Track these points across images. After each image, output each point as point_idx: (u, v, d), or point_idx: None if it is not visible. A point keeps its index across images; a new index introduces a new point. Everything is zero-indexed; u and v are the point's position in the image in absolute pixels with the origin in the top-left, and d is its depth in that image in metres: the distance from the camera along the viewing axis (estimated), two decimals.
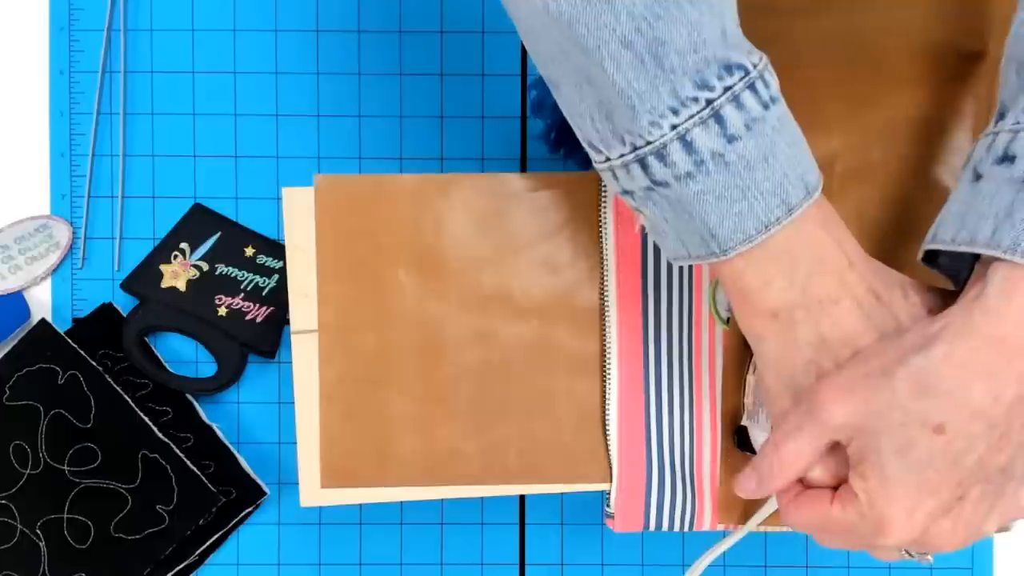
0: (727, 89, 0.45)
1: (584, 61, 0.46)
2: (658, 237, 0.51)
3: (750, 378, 0.60)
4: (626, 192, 0.49)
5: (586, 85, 0.47)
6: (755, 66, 0.46)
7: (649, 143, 0.46)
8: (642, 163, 0.47)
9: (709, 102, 0.45)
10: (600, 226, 0.61)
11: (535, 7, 0.45)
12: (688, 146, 0.46)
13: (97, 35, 0.74)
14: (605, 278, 0.61)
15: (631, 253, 0.60)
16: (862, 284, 0.48)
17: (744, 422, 0.60)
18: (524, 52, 0.74)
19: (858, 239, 0.53)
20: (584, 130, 0.49)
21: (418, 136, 0.74)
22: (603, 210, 0.61)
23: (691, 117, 0.45)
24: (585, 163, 0.70)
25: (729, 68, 0.46)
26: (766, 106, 0.46)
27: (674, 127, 0.45)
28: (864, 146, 0.60)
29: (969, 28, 0.59)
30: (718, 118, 0.45)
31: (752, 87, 0.46)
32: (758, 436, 0.58)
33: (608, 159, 0.48)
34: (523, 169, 0.74)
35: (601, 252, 0.61)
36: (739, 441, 0.61)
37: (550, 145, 0.70)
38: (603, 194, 0.61)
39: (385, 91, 0.74)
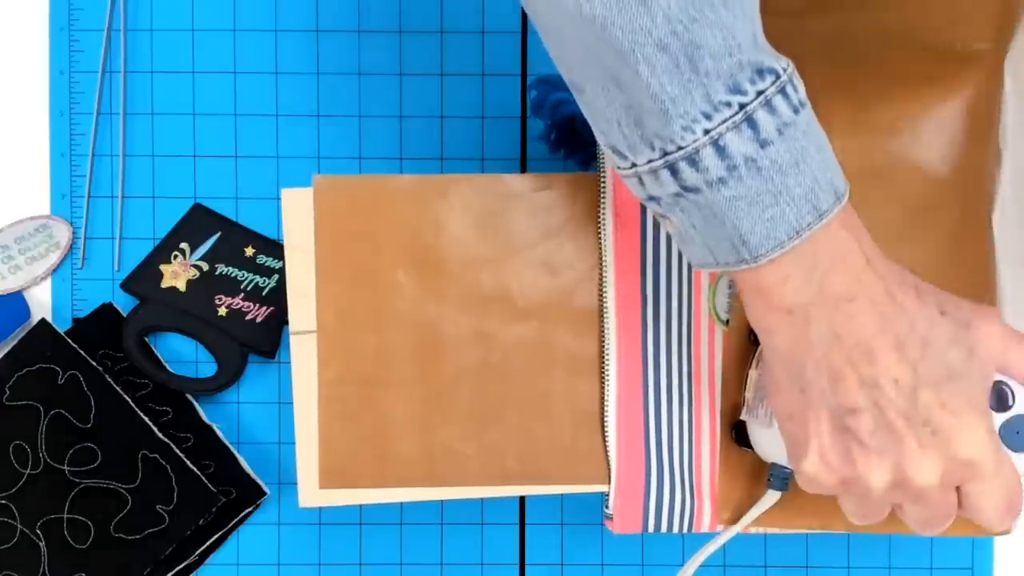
0: (759, 93, 0.45)
1: (616, 64, 0.45)
2: (684, 244, 0.50)
3: (752, 372, 0.59)
4: (652, 198, 0.49)
5: (614, 89, 0.46)
6: (784, 70, 0.46)
7: (681, 148, 0.45)
8: (672, 169, 0.46)
9: (742, 106, 0.45)
10: (599, 227, 0.61)
11: (566, 9, 0.44)
12: (721, 151, 0.45)
13: (97, 35, 0.74)
14: (604, 279, 0.61)
15: (630, 254, 0.60)
16: (879, 283, 0.48)
17: (743, 416, 0.60)
18: (524, 52, 0.74)
19: None
20: (609, 135, 0.48)
21: (418, 136, 0.74)
22: (602, 211, 0.61)
23: (724, 121, 0.45)
24: (585, 163, 0.70)
25: (761, 72, 0.45)
26: (796, 111, 0.46)
27: (707, 132, 0.45)
28: (866, 146, 0.60)
29: (970, 27, 0.59)
30: (751, 123, 0.45)
31: (783, 91, 0.46)
32: (756, 431, 0.58)
33: (634, 165, 0.48)
34: (523, 169, 0.74)
35: (600, 253, 0.61)
36: (737, 436, 0.61)
37: (550, 145, 0.70)
38: (603, 195, 0.61)
39: (385, 91, 0.74)
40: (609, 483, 0.61)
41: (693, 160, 0.46)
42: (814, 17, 0.60)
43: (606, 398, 0.61)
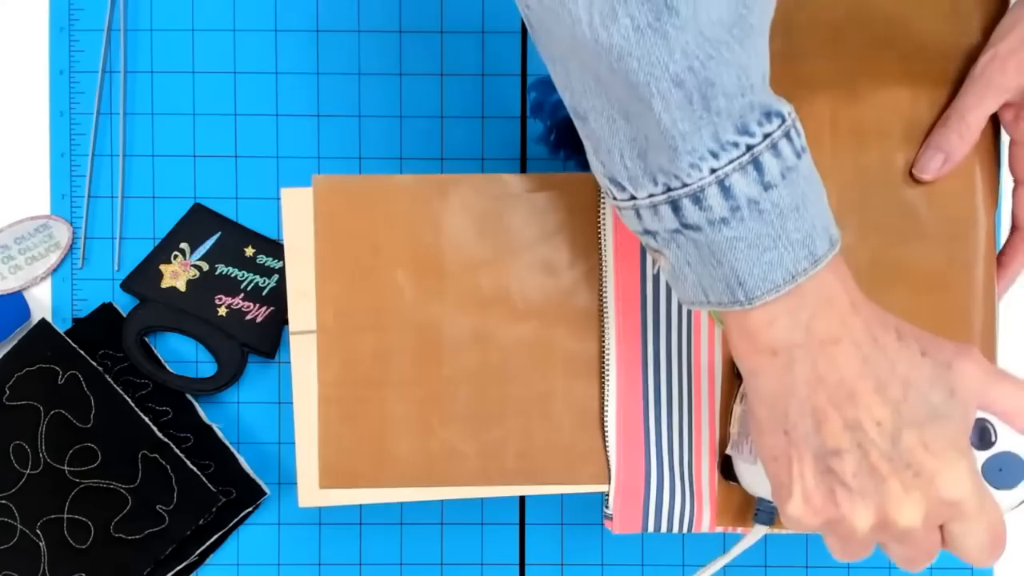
0: (766, 136, 0.45)
1: (627, 96, 0.45)
2: (676, 281, 0.50)
3: (737, 407, 0.59)
4: (648, 232, 0.48)
5: (620, 120, 0.46)
6: (789, 114, 0.46)
7: (686, 185, 0.45)
8: (674, 205, 0.46)
9: (749, 147, 0.45)
10: (599, 227, 0.61)
11: (581, 37, 0.44)
12: (726, 191, 0.45)
13: (97, 35, 0.74)
14: (604, 280, 0.61)
15: (630, 255, 0.60)
16: (862, 325, 0.48)
17: (729, 451, 0.60)
18: (524, 52, 0.74)
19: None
20: (609, 166, 0.48)
21: (418, 136, 0.74)
22: (602, 211, 0.61)
23: (731, 162, 0.45)
24: (585, 164, 0.70)
25: (769, 115, 0.45)
26: (799, 155, 0.46)
27: (714, 171, 0.45)
28: (864, 146, 0.59)
29: (967, 25, 0.59)
30: (757, 164, 0.45)
31: (788, 136, 0.46)
32: (742, 467, 0.58)
33: (634, 198, 0.48)
34: (523, 169, 0.74)
35: (600, 253, 0.61)
36: (723, 470, 0.60)
37: (550, 147, 0.70)
38: (602, 195, 0.61)
39: (385, 91, 0.74)
40: (609, 483, 0.61)
41: (697, 198, 0.45)
42: (813, 13, 0.60)
43: (606, 398, 0.61)
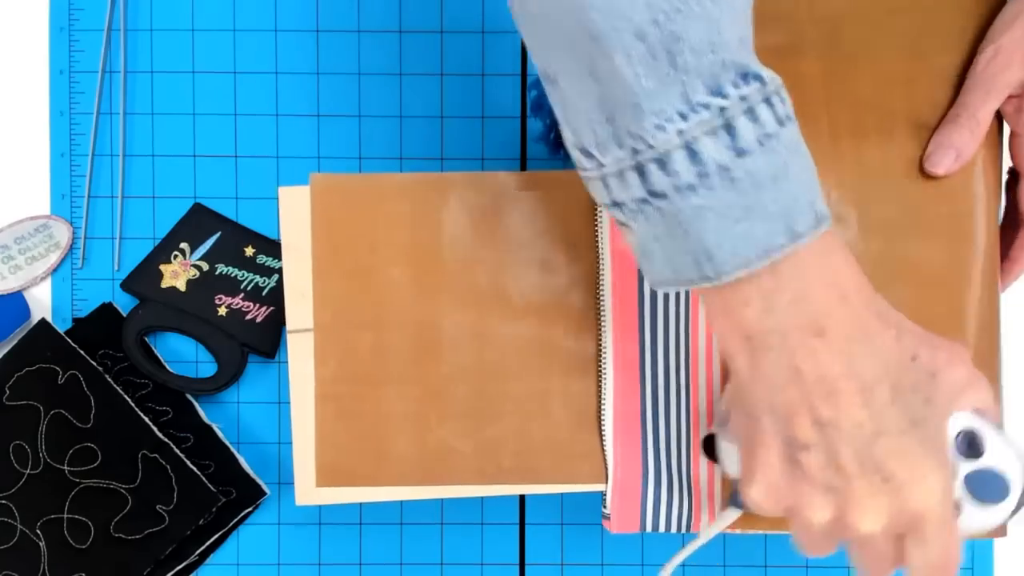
0: (742, 99, 0.43)
1: (592, 51, 0.43)
2: (644, 258, 0.48)
3: (729, 385, 0.59)
4: (616, 204, 0.47)
5: (588, 79, 0.44)
6: (771, 79, 0.44)
7: (651, 147, 0.43)
8: (640, 170, 0.44)
9: (722, 110, 0.43)
10: (597, 226, 0.61)
11: None
12: (694, 156, 0.43)
13: (97, 35, 0.74)
14: (601, 278, 0.61)
15: (627, 253, 0.60)
16: (851, 319, 0.46)
17: (714, 429, 0.58)
18: (524, 52, 0.74)
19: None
20: (579, 132, 0.46)
21: (418, 136, 0.74)
22: (600, 210, 0.61)
23: (700, 124, 0.43)
24: None
25: (746, 76, 0.43)
26: (781, 123, 0.44)
27: (680, 133, 0.43)
28: (863, 145, 0.59)
29: (966, 18, 0.59)
30: (729, 128, 0.43)
31: (768, 101, 0.44)
32: (723, 446, 0.57)
33: (601, 165, 0.46)
34: (523, 169, 0.74)
35: (597, 252, 0.61)
36: (706, 448, 0.59)
37: (550, 146, 0.70)
38: None
39: (385, 91, 0.74)
40: (606, 482, 0.61)
41: (663, 163, 0.44)
42: (812, 9, 0.60)
43: (603, 397, 0.61)
